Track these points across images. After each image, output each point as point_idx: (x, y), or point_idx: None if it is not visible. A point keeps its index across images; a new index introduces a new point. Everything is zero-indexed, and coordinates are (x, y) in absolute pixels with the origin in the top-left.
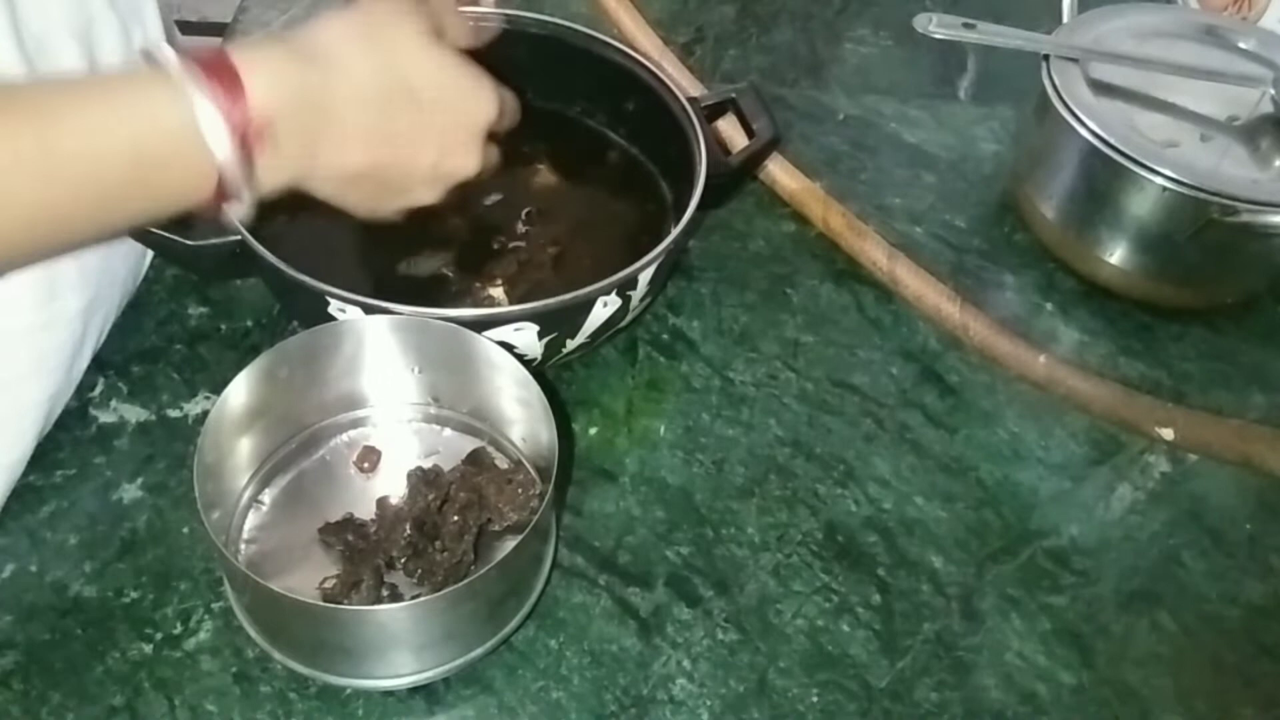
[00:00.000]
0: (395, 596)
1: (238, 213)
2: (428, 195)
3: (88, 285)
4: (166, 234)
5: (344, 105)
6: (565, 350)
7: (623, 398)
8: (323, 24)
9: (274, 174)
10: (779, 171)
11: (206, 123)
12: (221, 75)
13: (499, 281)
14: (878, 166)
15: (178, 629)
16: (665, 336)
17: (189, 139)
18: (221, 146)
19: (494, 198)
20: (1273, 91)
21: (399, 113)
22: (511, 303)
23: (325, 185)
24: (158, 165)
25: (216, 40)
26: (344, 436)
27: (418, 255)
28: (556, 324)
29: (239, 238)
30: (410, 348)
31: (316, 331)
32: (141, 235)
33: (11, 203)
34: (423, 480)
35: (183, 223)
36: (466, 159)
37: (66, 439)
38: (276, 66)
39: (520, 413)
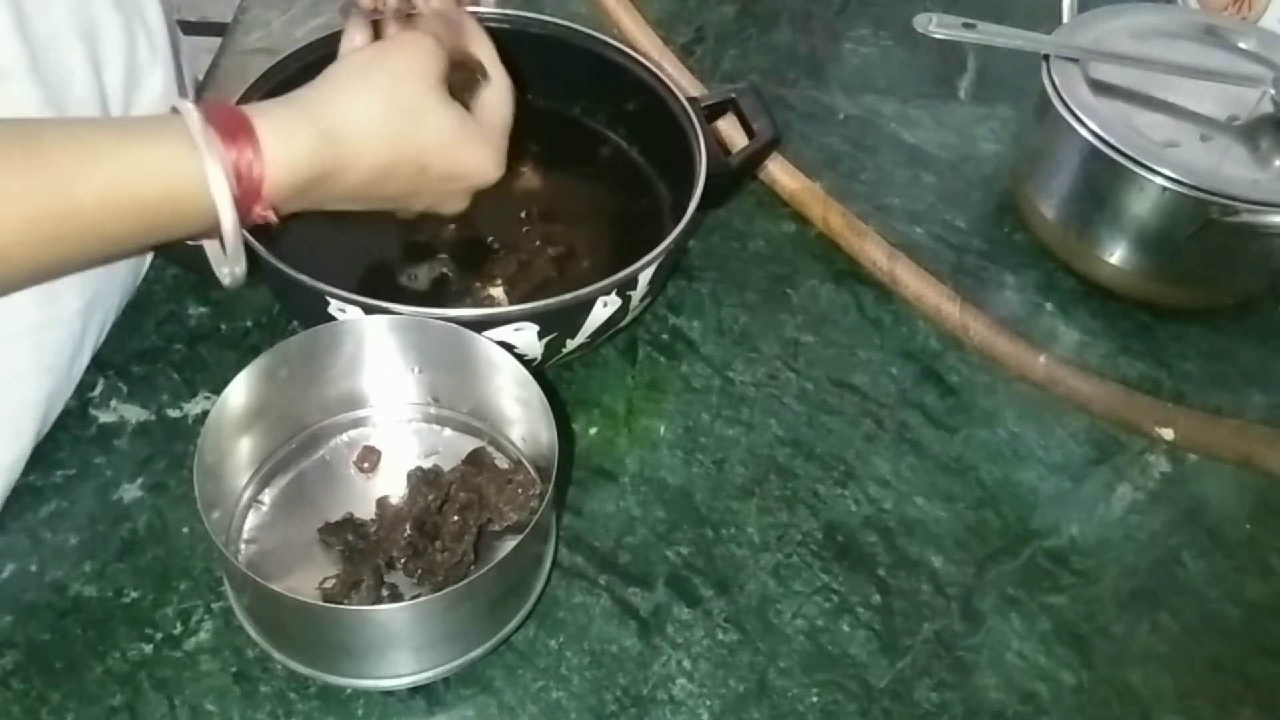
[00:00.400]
0: (395, 596)
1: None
2: (411, 214)
3: (87, 285)
4: None
5: (349, 174)
6: (565, 350)
7: (623, 398)
8: (348, 89)
9: (283, 205)
10: (779, 171)
11: (217, 188)
12: (239, 140)
13: (499, 281)
14: (878, 166)
15: (178, 629)
16: (665, 336)
17: (197, 198)
18: (226, 210)
19: (494, 198)
20: (1273, 91)
21: (402, 181)
22: (511, 303)
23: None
24: (163, 217)
25: (233, 99)
26: (344, 436)
27: (418, 255)
28: (556, 324)
29: None
30: (410, 348)
31: (316, 331)
32: None
33: (17, 255)
34: (423, 480)
35: None
36: (455, 206)
37: (66, 439)
38: (295, 140)
39: (520, 413)
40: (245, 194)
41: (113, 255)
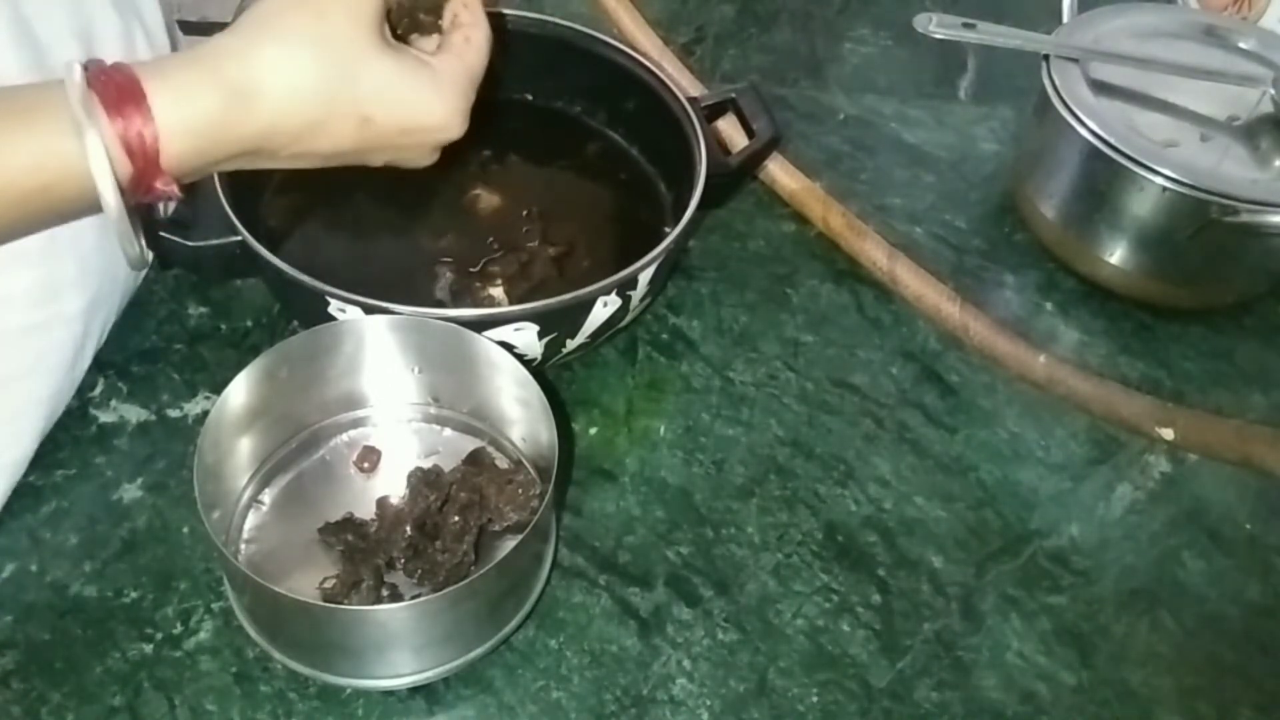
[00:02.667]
0: (395, 596)
1: (168, 194)
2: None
3: (88, 285)
4: (167, 236)
5: (272, 136)
6: (565, 350)
7: (623, 398)
8: (263, 37)
9: (194, 174)
10: (779, 171)
11: (98, 167)
12: (126, 109)
13: (499, 281)
14: (878, 166)
15: (178, 629)
16: (665, 336)
17: (80, 179)
18: (108, 191)
19: (494, 198)
20: (1273, 91)
21: (342, 137)
22: (511, 303)
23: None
24: (47, 202)
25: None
26: (344, 436)
27: (418, 255)
28: (556, 324)
29: (240, 239)
30: (410, 348)
31: (316, 331)
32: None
33: None
34: (423, 481)
35: (182, 225)
36: (421, 161)
37: (66, 439)
38: (197, 102)
39: (520, 413)
40: (143, 168)
41: (16, 224)
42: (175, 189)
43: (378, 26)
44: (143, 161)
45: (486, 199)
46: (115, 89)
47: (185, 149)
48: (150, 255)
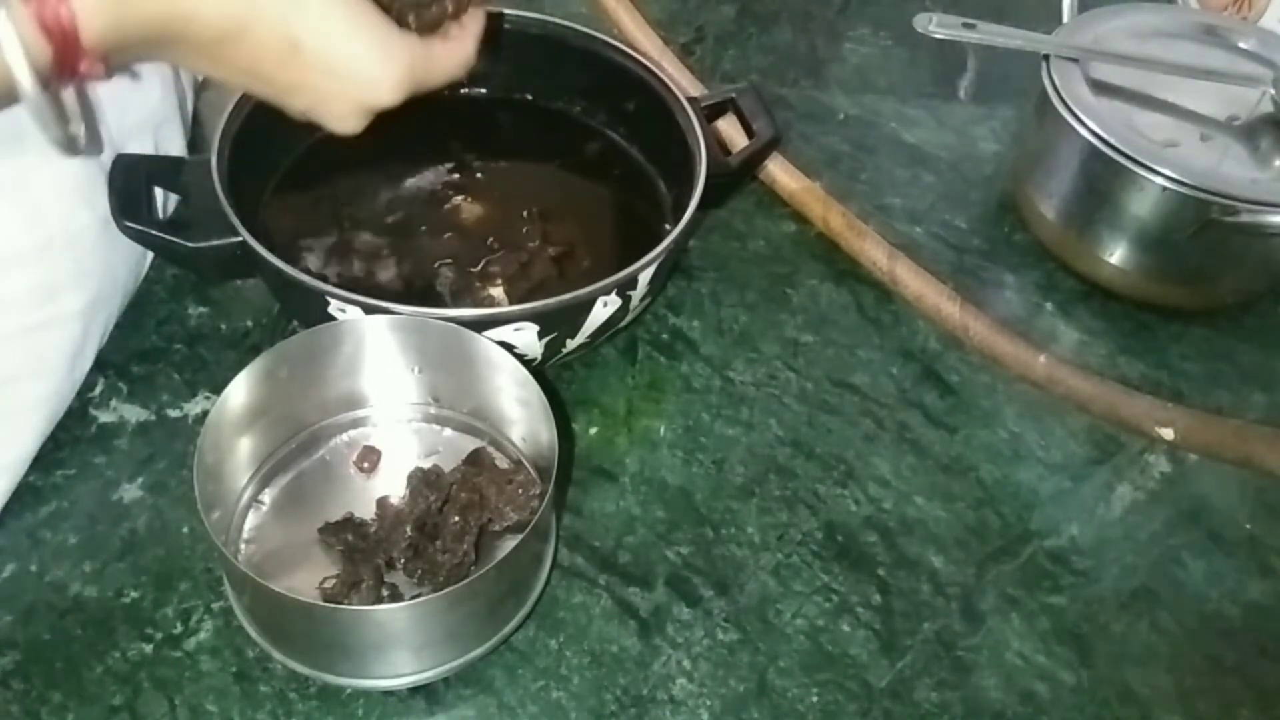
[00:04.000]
0: (395, 596)
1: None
2: (300, 117)
3: (87, 286)
4: (166, 236)
5: (191, 27)
6: (565, 350)
7: (623, 398)
8: None
9: (119, 55)
10: (779, 171)
11: (6, 38)
12: None
13: (499, 281)
14: (878, 166)
15: (178, 629)
16: (665, 336)
17: None
18: (22, 70)
19: (494, 197)
20: (1273, 91)
21: (263, 55)
22: (511, 303)
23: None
24: None
25: None
26: (344, 436)
27: (418, 255)
28: (556, 324)
29: (240, 239)
30: (410, 348)
31: (316, 331)
32: (141, 238)
33: None
34: (424, 481)
35: (182, 225)
36: (344, 123)
37: (66, 439)
38: None
39: (520, 413)
40: (62, 48)
41: None
42: (100, 69)
43: None
44: (61, 42)
45: (486, 199)
46: None
47: (105, 26)
48: (81, 136)
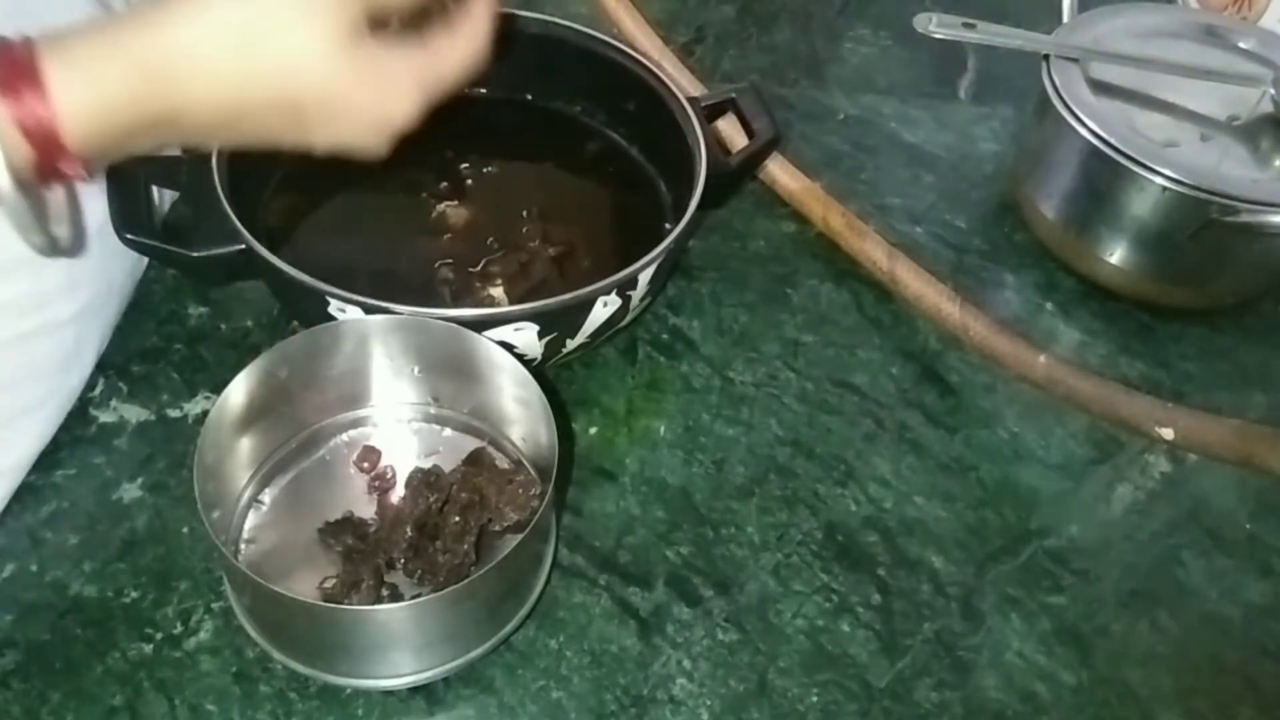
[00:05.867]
0: (395, 596)
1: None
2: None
3: (78, 294)
4: (168, 247)
5: (186, 117)
6: (565, 350)
7: (623, 398)
8: (181, 8)
9: (106, 155)
10: (779, 171)
11: None
12: (20, 90)
13: (499, 281)
14: (878, 166)
15: (178, 629)
16: (665, 336)
17: None
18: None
19: (494, 197)
20: (1273, 91)
21: (266, 124)
22: (511, 303)
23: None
24: None
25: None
26: (344, 436)
27: (418, 255)
28: (556, 324)
29: (242, 247)
30: (410, 348)
31: (316, 331)
32: (142, 249)
33: None
34: (424, 481)
35: (183, 235)
36: (366, 151)
37: (66, 439)
38: (101, 81)
39: (520, 413)
40: (43, 150)
41: None
42: (83, 171)
43: (330, 18)
44: (42, 143)
45: (486, 199)
46: (8, 67)
47: (87, 131)
48: (64, 238)
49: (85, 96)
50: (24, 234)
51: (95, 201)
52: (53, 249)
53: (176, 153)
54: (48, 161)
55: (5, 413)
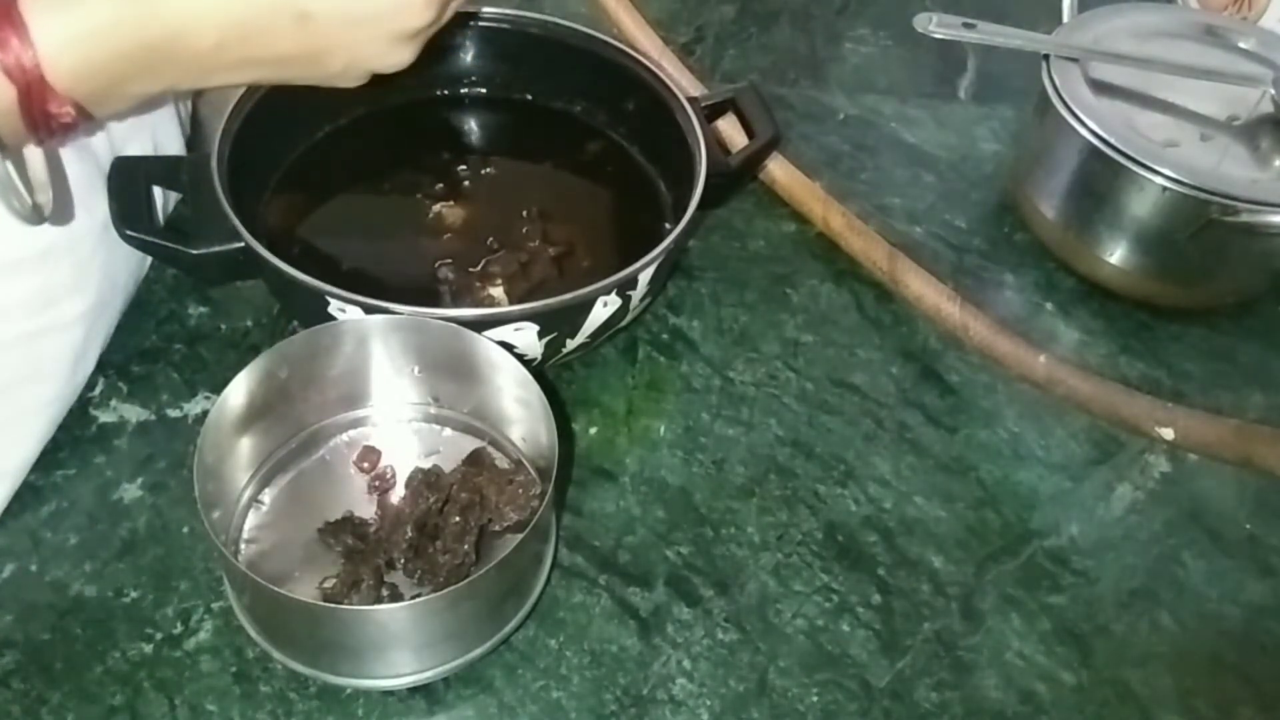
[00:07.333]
0: (395, 596)
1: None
2: (351, 83)
3: (87, 291)
4: (169, 244)
5: (186, 42)
6: (565, 350)
7: (623, 398)
8: None
9: (99, 92)
10: (779, 171)
11: None
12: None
13: (499, 281)
14: (878, 166)
15: (178, 629)
16: (665, 336)
17: None
18: None
19: (494, 197)
20: (1273, 91)
21: (278, 41)
22: (511, 303)
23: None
24: None
25: None
26: (344, 436)
27: (417, 255)
28: (556, 324)
29: (243, 245)
30: (410, 348)
31: (316, 331)
32: (143, 246)
33: None
34: (424, 481)
35: (183, 233)
36: (393, 60)
37: (66, 439)
38: (82, 12)
39: (520, 413)
40: (27, 92)
41: None
42: (71, 112)
43: None
44: (25, 85)
45: (486, 199)
46: None
47: (75, 68)
48: (47, 205)
49: (65, 28)
50: (5, 199)
51: (99, 199)
52: (35, 216)
53: (177, 152)
54: (35, 103)
55: (12, 412)
